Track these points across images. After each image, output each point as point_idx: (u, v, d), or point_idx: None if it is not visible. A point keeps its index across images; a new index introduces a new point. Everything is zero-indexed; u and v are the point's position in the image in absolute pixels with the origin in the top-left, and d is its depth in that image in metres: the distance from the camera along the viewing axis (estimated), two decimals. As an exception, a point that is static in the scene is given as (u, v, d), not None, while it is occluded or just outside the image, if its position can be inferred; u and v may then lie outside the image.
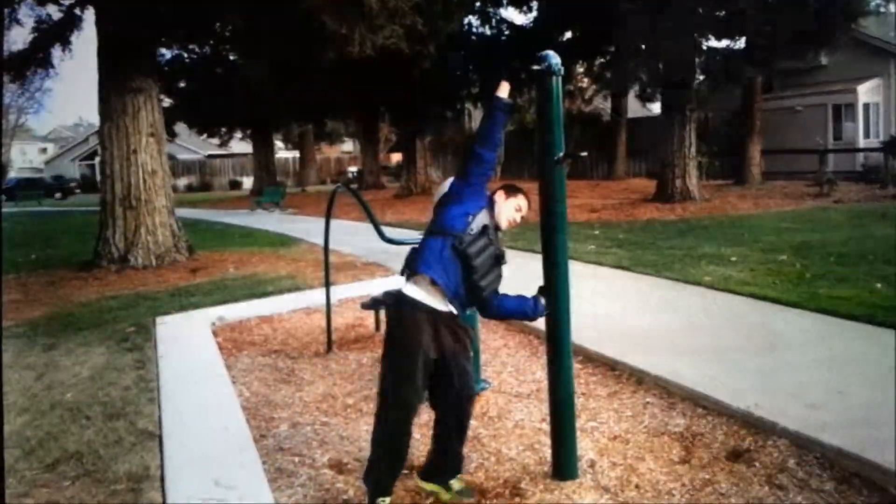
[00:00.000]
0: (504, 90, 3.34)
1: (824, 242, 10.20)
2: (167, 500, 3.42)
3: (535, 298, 3.43)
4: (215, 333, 6.85)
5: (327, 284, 6.42)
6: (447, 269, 3.13)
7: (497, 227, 3.34)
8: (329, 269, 6.52)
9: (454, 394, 3.26)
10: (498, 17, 21.99)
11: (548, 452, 3.71)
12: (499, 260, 3.26)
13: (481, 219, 3.22)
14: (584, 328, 5.35)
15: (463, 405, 3.33)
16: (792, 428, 3.84)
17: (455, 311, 3.20)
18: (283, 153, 49.84)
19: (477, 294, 3.22)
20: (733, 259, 9.23)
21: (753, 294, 7.13)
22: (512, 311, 3.44)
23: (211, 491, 3.44)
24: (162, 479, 3.66)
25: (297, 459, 3.96)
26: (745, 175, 21.66)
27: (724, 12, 15.90)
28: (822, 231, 11.54)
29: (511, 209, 3.39)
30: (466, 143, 34.00)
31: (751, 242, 10.68)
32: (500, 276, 3.29)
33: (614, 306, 7.04)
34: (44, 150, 73.86)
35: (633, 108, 30.50)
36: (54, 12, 12.05)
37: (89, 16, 11.69)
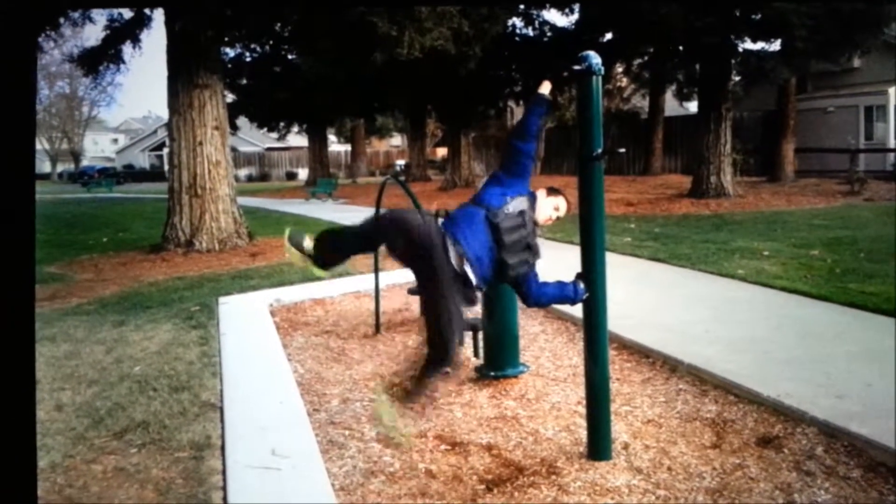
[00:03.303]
0: (545, 87, 3.36)
1: (854, 239, 9.95)
2: (227, 467, 3.47)
3: (574, 283, 3.41)
4: (272, 314, 6.95)
5: (376, 270, 6.46)
6: (475, 232, 3.07)
7: (535, 223, 3.31)
8: (378, 256, 6.55)
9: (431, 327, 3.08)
10: (540, 19, 21.79)
11: (583, 434, 3.70)
12: (530, 247, 3.20)
13: (520, 203, 3.19)
14: (620, 317, 5.30)
15: (436, 342, 3.05)
16: (821, 417, 3.76)
17: (472, 277, 3.05)
18: (336, 146, 50.21)
19: (504, 272, 3.14)
20: (766, 253, 9.05)
21: (785, 287, 6.98)
22: (554, 297, 3.40)
23: (267, 460, 3.50)
24: (222, 448, 3.72)
25: (347, 433, 4.01)
26: (778, 173, 21.18)
27: (760, 15, 15.56)
28: (852, 228, 11.25)
29: (550, 207, 3.35)
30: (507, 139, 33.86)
31: (783, 238, 10.46)
32: (527, 262, 3.20)
33: (649, 296, 6.96)
34: (115, 141, 75.56)
35: (671, 106, 29.98)
36: (125, 11, 12.31)
37: (158, 15, 11.92)
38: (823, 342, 5.21)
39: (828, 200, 16.18)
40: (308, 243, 3.26)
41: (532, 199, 3.31)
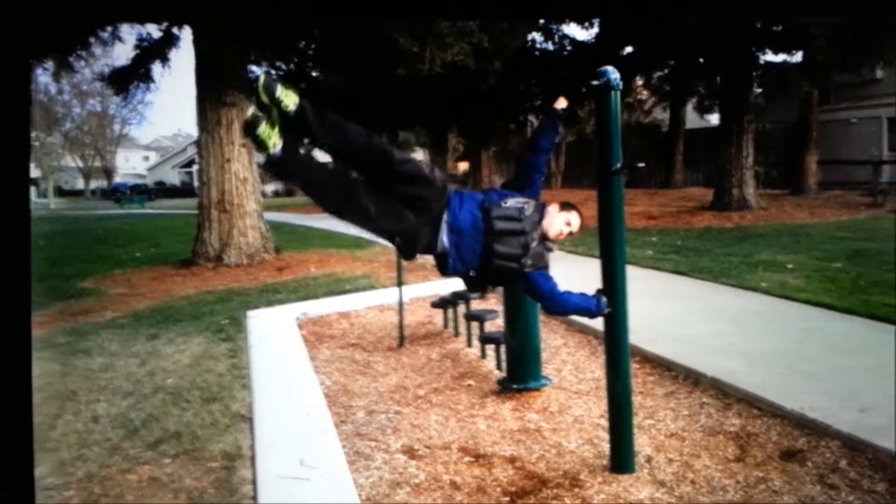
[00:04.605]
0: (561, 103, 3.36)
1: (878, 251, 9.82)
2: (257, 477, 3.52)
3: (597, 297, 3.41)
4: (299, 327, 7.01)
5: (400, 284, 6.51)
6: (466, 207, 3.14)
7: (545, 235, 3.31)
8: (401, 270, 6.61)
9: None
10: (560, 34, 21.83)
11: (606, 447, 3.70)
12: (527, 247, 3.18)
13: (521, 202, 3.22)
14: (643, 330, 5.27)
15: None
16: (844, 430, 3.72)
17: (444, 240, 3.12)
18: (360, 161, 50.36)
19: (490, 260, 3.15)
20: (789, 266, 8.97)
21: (808, 300, 6.92)
22: (576, 306, 3.38)
23: (296, 470, 3.54)
24: (252, 458, 3.77)
25: (372, 444, 4.04)
26: (801, 185, 20.95)
27: (781, 27, 15.48)
28: (876, 240, 11.10)
29: (561, 221, 3.32)
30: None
31: (806, 250, 10.36)
32: (519, 259, 3.18)
33: (672, 310, 6.93)
34: (146, 158, 76.61)
35: (692, 118, 29.86)
36: (154, 31, 12.56)
37: (187, 35, 12.13)
38: (847, 355, 5.15)
39: (851, 212, 16.00)
40: (281, 93, 2.92)
41: (540, 206, 3.32)
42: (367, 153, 3.06)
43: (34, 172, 57.11)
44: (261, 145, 2.95)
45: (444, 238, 3.13)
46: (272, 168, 3.07)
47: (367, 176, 3.10)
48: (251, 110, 2.96)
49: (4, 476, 1.58)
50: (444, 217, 3.12)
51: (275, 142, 2.94)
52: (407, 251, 3.22)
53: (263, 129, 2.92)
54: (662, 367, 5.23)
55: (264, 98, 2.91)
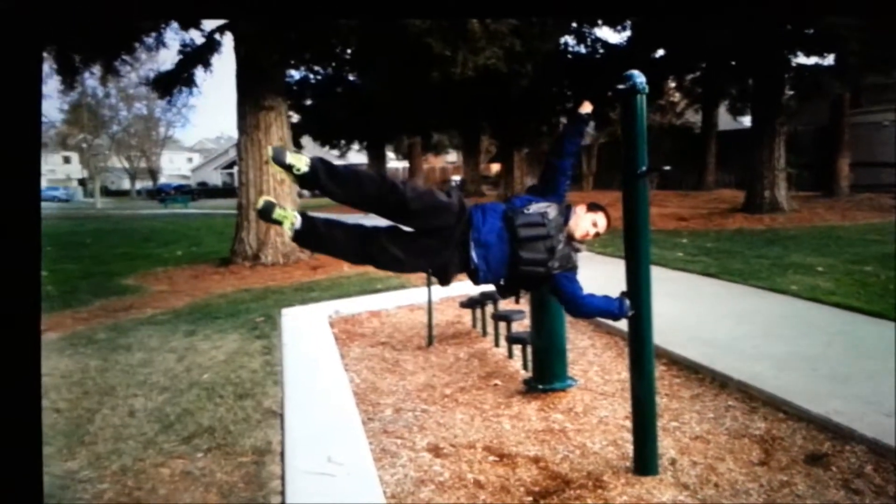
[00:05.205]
0: (586, 107, 3.36)
1: (911, 254, 9.56)
2: (286, 473, 3.54)
3: (620, 299, 3.36)
4: (331, 325, 7.04)
5: (429, 284, 6.49)
6: (490, 219, 3.16)
7: (571, 235, 3.30)
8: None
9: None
10: (592, 37, 21.63)
11: (630, 448, 3.64)
12: (553, 250, 3.19)
13: (544, 207, 3.22)
14: (670, 332, 5.21)
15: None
16: (870, 435, 3.62)
17: (473, 256, 3.13)
18: (394, 163, 50.72)
19: (517, 267, 3.16)
20: (820, 269, 8.76)
21: (838, 303, 6.75)
22: (599, 308, 3.35)
23: (324, 466, 3.55)
24: (282, 454, 3.79)
25: (399, 442, 4.04)
26: (832, 187, 20.49)
27: (812, 30, 15.15)
28: (908, 243, 10.81)
29: (588, 222, 3.34)
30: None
31: (837, 253, 10.11)
32: (545, 263, 3.19)
33: (700, 312, 6.82)
34: (190, 160, 77.88)
35: (724, 120, 29.36)
36: (197, 37, 12.74)
37: (228, 41, 12.29)
38: (875, 359, 5.01)
39: (882, 215, 15.58)
40: (291, 159, 3.09)
41: (565, 208, 3.32)
42: (380, 198, 3.11)
43: (82, 173, 58.53)
44: (281, 225, 3.13)
45: (473, 254, 3.14)
46: (298, 241, 3.25)
47: (386, 217, 3.17)
48: (262, 200, 3.18)
49: (13, 473, 1.60)
50: (470, 234, 3.14)
51: (292, 221, 3.11)
52: (442, 279, 3.26)
53: (278, 212, 3.13)
54: (689, 369, 5.14)
55: (278, 168, 3.11)
